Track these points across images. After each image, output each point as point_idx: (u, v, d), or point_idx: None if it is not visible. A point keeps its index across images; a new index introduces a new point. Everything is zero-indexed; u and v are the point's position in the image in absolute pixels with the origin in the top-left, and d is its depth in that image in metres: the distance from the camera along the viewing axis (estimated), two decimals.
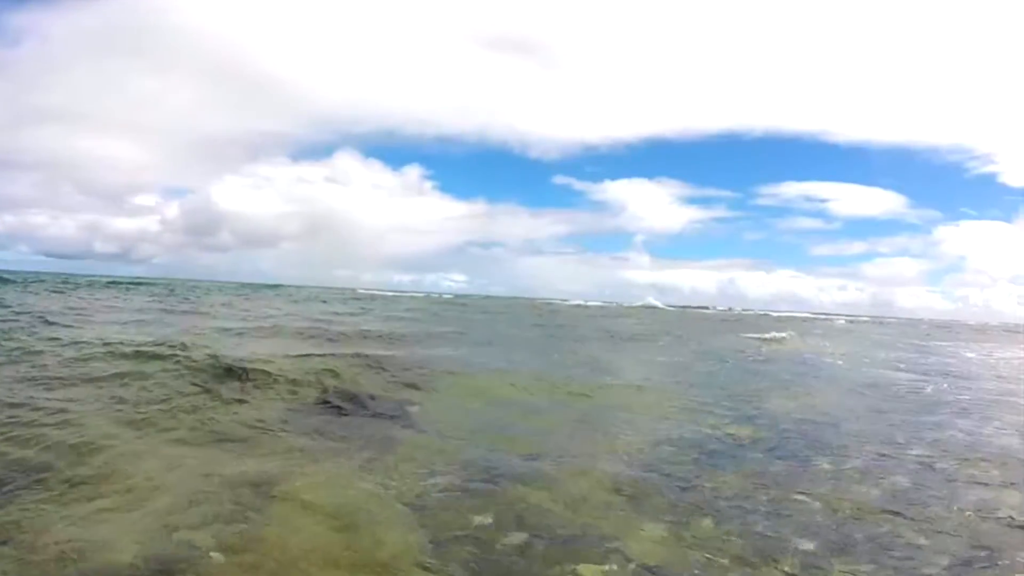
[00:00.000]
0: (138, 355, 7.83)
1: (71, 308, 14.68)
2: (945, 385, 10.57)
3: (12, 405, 5.40)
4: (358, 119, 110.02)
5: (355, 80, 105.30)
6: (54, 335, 9.42)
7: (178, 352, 7.93)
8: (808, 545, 3.67)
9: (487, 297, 78.92)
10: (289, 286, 56.13)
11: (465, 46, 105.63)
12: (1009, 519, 4.15)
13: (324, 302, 31.71)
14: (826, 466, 5.23)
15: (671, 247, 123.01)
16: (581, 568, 3.32)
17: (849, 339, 25.14)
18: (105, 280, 34.22)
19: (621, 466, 5.02)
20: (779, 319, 49.63)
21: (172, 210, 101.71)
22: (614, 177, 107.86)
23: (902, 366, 14.01)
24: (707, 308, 78.19)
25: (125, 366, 7.30)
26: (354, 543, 3.54)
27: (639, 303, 72.47)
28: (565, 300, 73.21)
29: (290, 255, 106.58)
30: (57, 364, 7.26)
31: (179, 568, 3.03)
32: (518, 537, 3.68)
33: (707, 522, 3.98)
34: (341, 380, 7.40)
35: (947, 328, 46.14)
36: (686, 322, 35.79)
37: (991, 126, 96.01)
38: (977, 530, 3.98)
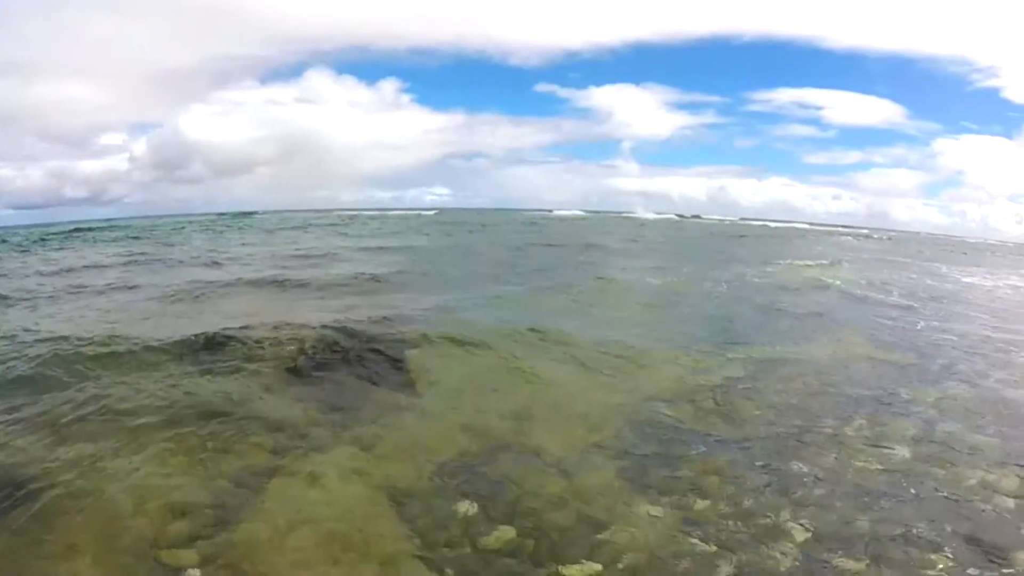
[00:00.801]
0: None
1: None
2: None
3: None
4: (327, 36, 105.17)
5: None
6: None
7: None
8: None
9: (469, 210, 77.21)
10: (264, 213, 54.31)
11: None
12: None
13: (301, 229, 30.62)
14: None
15: (660, 154, 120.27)
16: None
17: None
18: (71, 227, 32.50)
19: None
20: (790, 235, 44.87)
21: (140, 147, 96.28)
22: (599, 83, 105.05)
23: None
24: (699, 217, 77.33)
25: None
26: (341, 542, 3.50)
27: (626, 213, 71.55)
28: (550, 211, 71.68)
29: (266, 180, 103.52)
30: None
31: None
32: (507, 532, 3.66)
33: None
34: (323, 341, 7.11)
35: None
36: (693, 241, 32.57)
37: (995, 39, 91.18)
38: None
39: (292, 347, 6.82)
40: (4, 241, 26.44)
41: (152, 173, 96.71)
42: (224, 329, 7.32)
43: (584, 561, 3.41)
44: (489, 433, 5.00)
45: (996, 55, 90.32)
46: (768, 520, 3.83)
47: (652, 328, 9.04)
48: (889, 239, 48.23)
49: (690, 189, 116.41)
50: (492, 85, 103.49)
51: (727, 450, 4.84)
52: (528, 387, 6.22)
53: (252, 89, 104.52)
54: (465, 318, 8.88)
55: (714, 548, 3.52)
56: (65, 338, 7.00)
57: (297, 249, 19.90)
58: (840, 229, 61.65)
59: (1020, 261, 32.10)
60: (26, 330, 7.57)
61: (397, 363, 6.59)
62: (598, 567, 3.37)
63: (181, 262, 16.58)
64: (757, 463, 4.62)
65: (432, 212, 65.27)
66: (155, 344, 6.83)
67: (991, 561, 3.45)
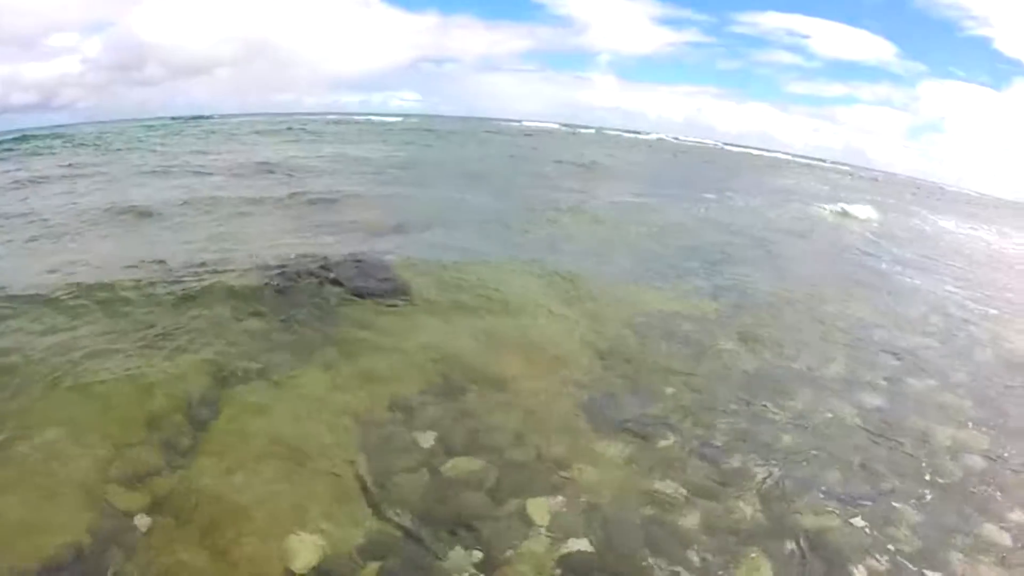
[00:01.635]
0: None
1: None
2: None
3: None
4: None
5: None
6: None
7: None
8: None
9: (441, 117, 72.51)
10: (220, 117, 50.17)
11: None
12: None
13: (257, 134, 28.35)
14: None
15: (638, 69, 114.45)
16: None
17: None
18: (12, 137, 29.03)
19: None
20: (779, 166, 42.96)
21: (93, 47, 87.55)
22: None
23: None
24: (678, 139, 73.83)
25: None
26: (296, 471, 3.46)
27: (597, 126, 68.09)
28: (519, 121, 66.86)
29: (225, 83, 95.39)
30: None
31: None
32: (469, 463, 3.65)
33: None
34: (284, 267, 6.80)
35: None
36: (686, 166, 31.20)
37: None
38: None
39: (252, 274, 6.48)
40: None
41: (107, 75, 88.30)
42: (176, 255, 6.92)
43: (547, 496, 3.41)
44: (455, 363, 4.88)
45: (991, 4, 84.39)
46: (736, 464, 3.87)
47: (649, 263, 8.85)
48: (875, 180, 44.38)
49: (666, 109, 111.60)
50: None
51: (698, 388, 4.85)
52: (497, 318, 6.05)
53: None
54: (442, 246, 8.59)
55: (684, 492, 3.54)
56: None
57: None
58: (823, 164, 57.90)
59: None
60: None
61: (360, 291, 6.40)
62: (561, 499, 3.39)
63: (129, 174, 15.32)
64: (731, 404, 4.64)
65: (397, 119, 59.87)
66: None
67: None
